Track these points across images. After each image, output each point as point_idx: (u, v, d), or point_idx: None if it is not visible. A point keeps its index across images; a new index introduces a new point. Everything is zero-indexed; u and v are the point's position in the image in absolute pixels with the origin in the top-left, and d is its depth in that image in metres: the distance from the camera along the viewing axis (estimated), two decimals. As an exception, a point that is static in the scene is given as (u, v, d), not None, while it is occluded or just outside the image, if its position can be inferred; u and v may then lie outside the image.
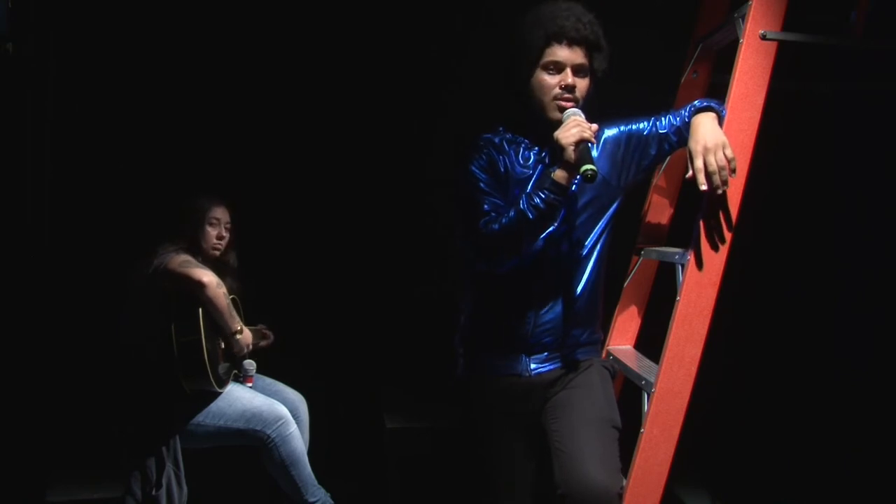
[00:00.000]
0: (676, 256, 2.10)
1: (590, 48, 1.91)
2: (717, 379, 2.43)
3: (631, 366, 2.27)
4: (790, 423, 3.24)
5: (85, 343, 2.95)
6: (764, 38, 2.02)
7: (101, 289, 2.94)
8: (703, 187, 1.87)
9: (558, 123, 1.84)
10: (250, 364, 2.82)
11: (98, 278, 3.00)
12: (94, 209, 3.15)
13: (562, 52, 1.89)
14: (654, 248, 2.39)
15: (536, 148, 1.97)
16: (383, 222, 3.42)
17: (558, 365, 1.98)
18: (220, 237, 2.77)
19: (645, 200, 2.50)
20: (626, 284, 2.51)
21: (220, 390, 2.62)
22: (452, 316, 2.11)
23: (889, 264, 3.06)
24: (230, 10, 3.21)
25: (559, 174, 1.80)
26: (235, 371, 2.79)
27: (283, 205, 3.33)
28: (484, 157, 1.94)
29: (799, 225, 3.28)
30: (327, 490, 2.73)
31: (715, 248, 1.99)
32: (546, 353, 1.97)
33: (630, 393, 2.26)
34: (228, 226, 2.80)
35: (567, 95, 1.88)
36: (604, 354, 2.48)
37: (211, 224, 2.75)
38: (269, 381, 2.91)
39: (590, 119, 1.85)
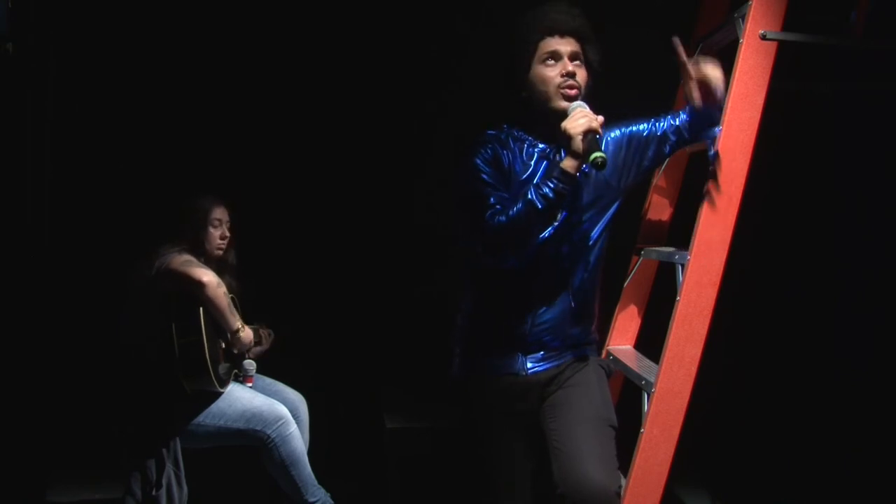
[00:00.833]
0: (676, 256, 2.10)
1: (581, 39, 1.95)
2: (717, 379, 2.43)
3: (631, 366, 2.27)
4: (790, 423, 3.23)
5: (85, 343, 2.95)
6: (764, 38, 2.02)
7: (101, 289, 2.95)
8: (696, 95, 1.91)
9: (564, 114, 1.85)
10: (250, 364, 2.82)
11: (98, 278, 3.00)
12: (94, 209, 3.15)
13: (556, 43, 1.93)
14: (654, 248, 2.39)
15: (541, 145, 1.98)
16: (383, 222, 3.42)
17: (555, 364, 1.98)
18: (223, 237, 2.78)
19: (645, 200, 2.51)
20: (626, 284, 2.51)
21: (221, 390, 2.62)
22: (452, 316, 2.11)
23: (889, 264, 3.06)
24: (231, 10, 3.21)
25: (567, 163, 1.82)
26: (235, 371, 2.79)
27: (284, 205, 3.33)
28: (489, 151, 1.95)
29: (799, 225, 3.28)
30: (327, 490, 2.73)
31: (715, 248, 1.99)
32: (543, 353, 1.97)
33: (630, 393, 2.27)
34: (229, 225, 2.81)
35: (570, 82, 1.90)
36: (604, 354, 2.48)
37: (213, 225, 2.76)
38: (269, 381, 2.91)
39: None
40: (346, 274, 3.42)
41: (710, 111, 1.98)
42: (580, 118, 1.80)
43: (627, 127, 2.03)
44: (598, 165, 1.74)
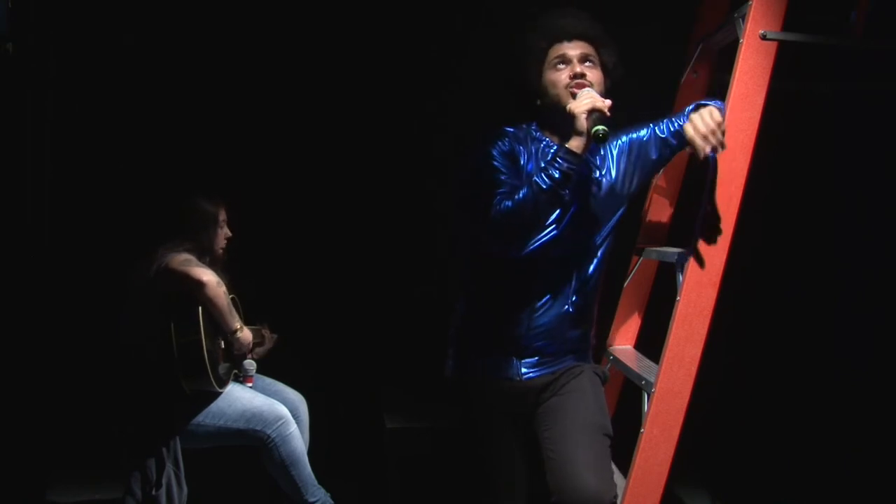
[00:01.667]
0: (676, 256, 2.10)
1: (592, 42, 1.95)
2: (717, 379, 2.43)
3: (631, 366, 2.27)
4: (790, 423, 3.24)
5: (85, 343, 2.95)
6: (764, 38, 2.02)
7: (101, 289, 2.94)
8: (706, 151, 1.80)
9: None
10: (250, 364, 2.82)
11: (98, 278, 3.00)
12: (94, 209, 3.16)
13: (565, 48, 1.94)
14: (654, 248, 2.39)
15: (556, 147, 1.97)
16: (383, 222, 3.42)
17: (549, 370, 1.97)
18: (227, 237, 2.79)
19: (645, 200, 2.51)
20: (626, 284, 2.51)
21: (221, 390, 2.62)
22: (451, 316, 2.11)
23: (889, 264, 3.06)
24: (231, 10, 3.21)
25: (573, 143, 1.81)
26: (235, 371, 2.79)
27: (283, 205, 3.33)
28: (506, 143, 1.96)
29: (799, 225, 3.28)
30: (327, 490, 2.73)
31: (715, 248, 1.99)
32: (537, 358, 1.96)
33: (630, 393, 2.27)
34: (227, 223, 2.81)
35: (578, 82, 1.90)
36: (604, 355, 2.48)
37: (221, 226, 2.76)
38: (269, 381, 2.91)
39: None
40: (346, 274, 3.42)
41: None
42: (585, 98, 1.81)
43: (629, 134, 2.04)
44: (600, 138, 1.74)
